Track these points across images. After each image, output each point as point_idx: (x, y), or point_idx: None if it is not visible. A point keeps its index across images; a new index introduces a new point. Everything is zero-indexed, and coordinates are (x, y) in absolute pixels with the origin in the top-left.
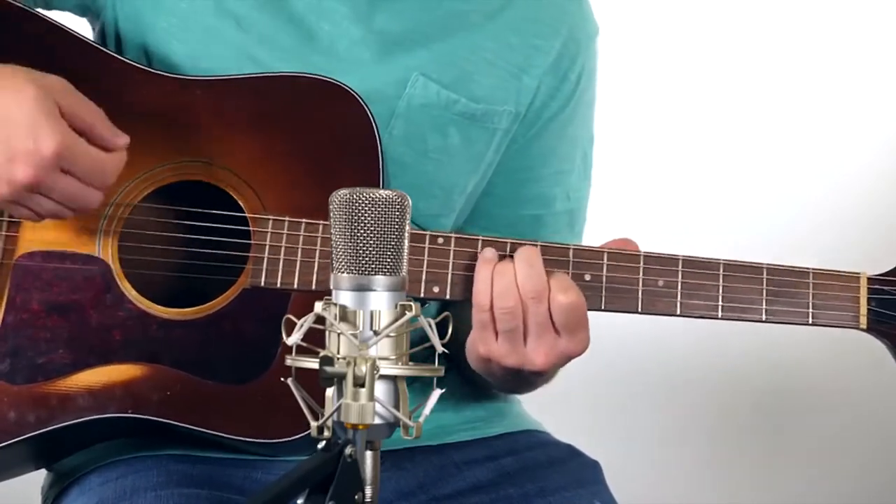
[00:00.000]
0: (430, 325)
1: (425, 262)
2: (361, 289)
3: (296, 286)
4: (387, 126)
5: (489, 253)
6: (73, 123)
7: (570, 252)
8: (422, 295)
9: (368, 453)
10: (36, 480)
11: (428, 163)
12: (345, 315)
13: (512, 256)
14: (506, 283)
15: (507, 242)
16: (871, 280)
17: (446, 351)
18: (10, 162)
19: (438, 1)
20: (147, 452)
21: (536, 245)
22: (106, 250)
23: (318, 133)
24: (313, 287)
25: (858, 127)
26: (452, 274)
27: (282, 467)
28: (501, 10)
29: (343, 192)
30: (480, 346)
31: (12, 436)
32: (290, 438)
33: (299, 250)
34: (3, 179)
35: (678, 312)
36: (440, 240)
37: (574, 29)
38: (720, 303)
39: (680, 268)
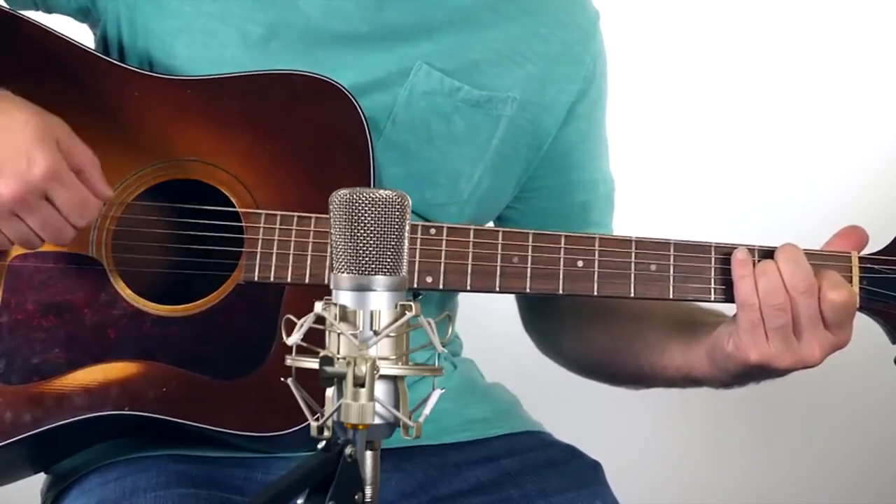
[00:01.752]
0: (430, 325)
1: (418, 252)
2: (361, 289)
3: (289, 280)
4: (390, 113)
5: (742, 253)
6: (67, 160)
7: (562, 238)
8: (415, 285)
9: (368, 453)
10: (36, 482)
11: (432, 150)
12: (345, 315)
13: (770, 257)
14: (772, 281)
15: (498, 231)
16: (861, 259)
17: (446, 351)
18: None
19: None
20: (146, 453)
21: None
22: (99, 249)
23: (310, 130)
24: (307, 280)
25: (859, 123)
26: (445, 263)
27: (281, 466)
28: (504, 1)
29: (343, 192)
30: (752, 351)
31: (9, 436)
32: (285, 432)
33: (292, 244)
34: None
35: (671, 296)
36: (432, 230)
37: (576, 16)
38: (712, 285)
39: (672, 251)
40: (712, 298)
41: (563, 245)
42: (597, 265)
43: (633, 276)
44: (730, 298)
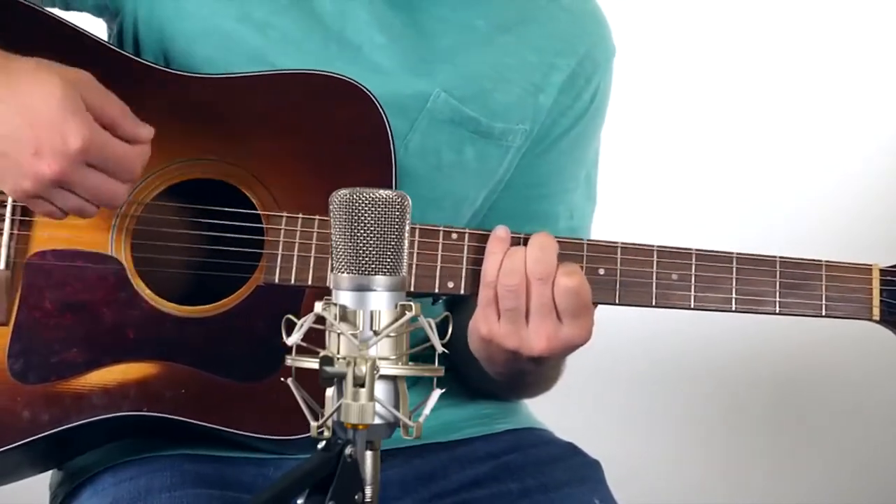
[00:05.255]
0: (430, 325)
1: (439, 257)
2: (361, 289)
3: (310, 283)
4: (404, 139)
5: (502, 231)
6: (98, 117)
7: (584, 246)
8: (436, 290)
9: (368, 453)
10: (42, 476)
11: (440, 177)
12: (345, 315)
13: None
14: (515, 263)
15: (520, 237)
16: (883, 271)
17: (446, 351)
18: (36, 156)
19: (453, 13)
20: (160, 452)
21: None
22: (119, 248)
23: (332, 131)
24: (328, 283)
25: (865, 123)
26: (467, 269)
27: (294, 465)
28: (518, 24)
29: (343, 192)
30: (482, 325)
31: (27, 435)
32: (306, 435)
33: (313, 247)
34: (28, 174)
35: (692, 306)
36: (454, 235)
37: (592, 48)
38: (734, 296)
39: (693, 261)
40: (734, 308)
41: (585, 253)
42: (618, 273)
43: (654, 285)
44: (751, 309)
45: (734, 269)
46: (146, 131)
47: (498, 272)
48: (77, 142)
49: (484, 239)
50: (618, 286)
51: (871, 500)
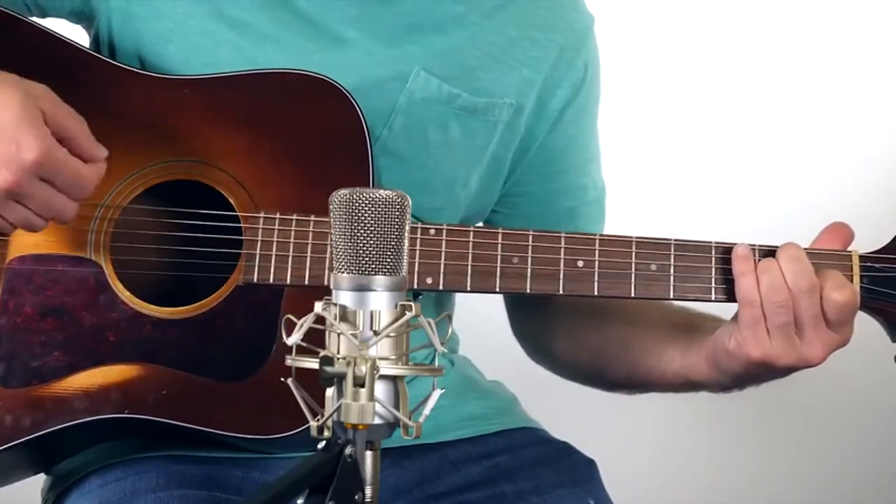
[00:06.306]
0: (430, 325)
1: (417, 253)
2: (361, 289)
3: (288, 282)
4: (387, 121)
5: (743, 249)
6: (55, 132)
7: (562, 238)
8: (415, 286)
9: (368, 453)
10: (36, 482)
11: (428, 157)
12: (345, 315)
13: (771, 255)
14: (774, 279)
15: (497, 232)
16: (862, 258)
17: (445, 350)
18: None
19: (435, 2)
20: (146, 454)
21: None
22: (98, 252)
23: (309, 130)
24: (306, 282)
25: (856, 121)
26: (445, 265)
27: (280, 466)
28: (498, 9)
29: (343, 192)
30: (754, 348)
31: (8, 440)
32: (286, 434)
33: (291, 245)
34: None
35: (672, 296)
36: (432, 231)
37: (571, 21)
38: (713, 285)
39: (672, 251)
40: (713, 298)
41: (563, 245)
42: (597, 265)
43: (633, 275)
44: (731, 298)
45: (713, 259)
46: (102, 152)
47: (759, 290)
48: (32, 154)
49: (462, 234)
50: (597, 277)
51: (870, 500)
